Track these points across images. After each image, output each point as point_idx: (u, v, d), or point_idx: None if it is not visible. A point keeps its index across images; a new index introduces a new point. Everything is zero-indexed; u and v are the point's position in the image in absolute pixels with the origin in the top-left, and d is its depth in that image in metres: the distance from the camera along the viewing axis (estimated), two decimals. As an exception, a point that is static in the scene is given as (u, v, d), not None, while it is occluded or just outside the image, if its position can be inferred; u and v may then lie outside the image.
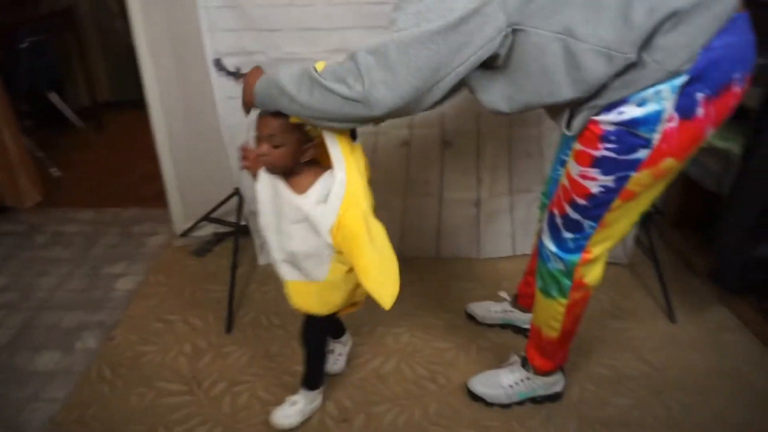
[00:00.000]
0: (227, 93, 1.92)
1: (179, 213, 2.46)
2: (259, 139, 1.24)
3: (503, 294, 1.92)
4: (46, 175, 2.91)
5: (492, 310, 1.91)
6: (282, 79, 1.12)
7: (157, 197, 2.62)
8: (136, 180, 2.97)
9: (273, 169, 1.27)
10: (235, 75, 1.91)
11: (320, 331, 1.51)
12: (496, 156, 2.09)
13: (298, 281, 1.36)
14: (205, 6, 1.79)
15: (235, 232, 2.10)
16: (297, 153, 1.25)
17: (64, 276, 2.23)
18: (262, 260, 2.27)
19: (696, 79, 1.00)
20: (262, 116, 1.23)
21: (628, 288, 2.10)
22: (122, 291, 2.14)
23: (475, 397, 1.62)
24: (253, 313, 2.01)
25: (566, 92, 1.05)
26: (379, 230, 1.22)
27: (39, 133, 3.35)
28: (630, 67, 1.00)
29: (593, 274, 1.32)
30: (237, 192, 2.13)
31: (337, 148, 1.21)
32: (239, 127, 1.98)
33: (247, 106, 1.26)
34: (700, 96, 1.01)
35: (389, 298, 1.18)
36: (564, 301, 1.35)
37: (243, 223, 2.17)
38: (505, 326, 1.89)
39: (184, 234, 2.45)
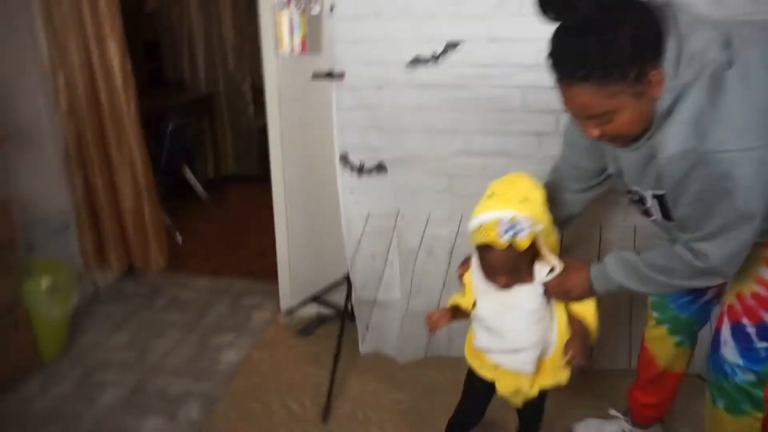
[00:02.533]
0: (349, 186, 2.01)
1: (287, 290, 2.53)
2: (489, 269, 1.28)
3: (614, 412, 1.77)
4: (170, 241, 3.14)
5: (606, 430, 1.76)
6: (620, 280, 1.23)
7: (268, 271, 2.73)
8: (251, 253, 3.13)
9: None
10: (359, 170, 2.00)
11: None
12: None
13: (545, 359, 1.37)
14: (339, 107, 1.91)
15: (341, 319, 2.12)
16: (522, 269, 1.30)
17: (177, 341, 2.34)
18: (363, 349, 2.25)
19: None
20: (490, 253, 1.24)
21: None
22: (227, 364, 2.20)
23: None
24: (350, 405, 1.98)
25: None
26: None
27: (166, 201, 3.68)
28: None
29: None
30: (347, 279, 2.17)
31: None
32: (358, 218, 2.05)
33: (573, 298, 1.32)
34: None
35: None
36: (760, 414, 1.30)
37: (349, 310, 2.19)
38: None
39: (290, 312, 2.52)
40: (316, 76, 1.88)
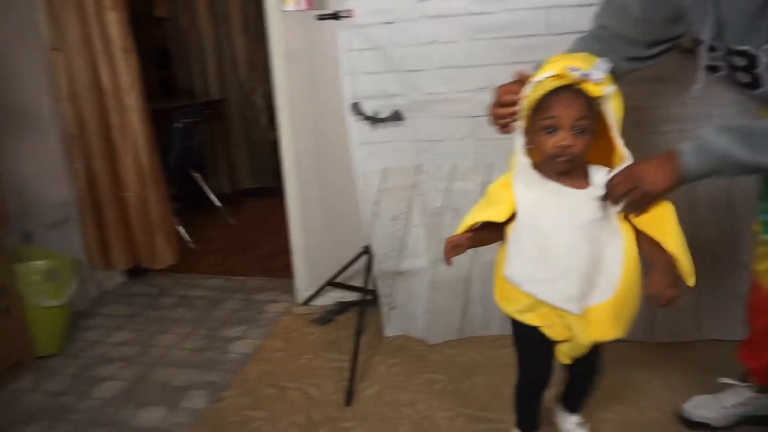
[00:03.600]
0: (363, 139, 1.83)
1: (303, 282, 2.32)
2: (554, 127, 1.04)
3: (727, 380, 1.45)
4: (181, 246, 2.97)
5: (727, 404, 1.44)
6: (723, 145, 0.99)
7: (284, 269, 2.53)
8: (264, 255, 2.94)
9: (569, 166, 1.07)
10: (372, 120, 1.82)
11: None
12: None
13: (601, 303, 1.11)
14: (348, 49, 1.76)
15: (361, 301, 1.90)
16: (592, 140, 1.07)
17: (183, 335, 2.12)
18: (389, 332, 2.01)
19: None
20: (558, 97, 1.03)
21: None
22: (237, 354, 1.97)
23: None
24: (377, 387, 1.72)
25: None
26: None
27: (180, 213, 3.54)
28: None
29: None
30: (366, 250, 1.95)
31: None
32: (374, 175, 1.86)
33: (648, 190, 1.05)
34: None
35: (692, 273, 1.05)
36: None
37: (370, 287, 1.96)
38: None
39: (307, 302, 2.29)
40: (323, 17, 1.74)
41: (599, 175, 1.11)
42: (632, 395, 1.59)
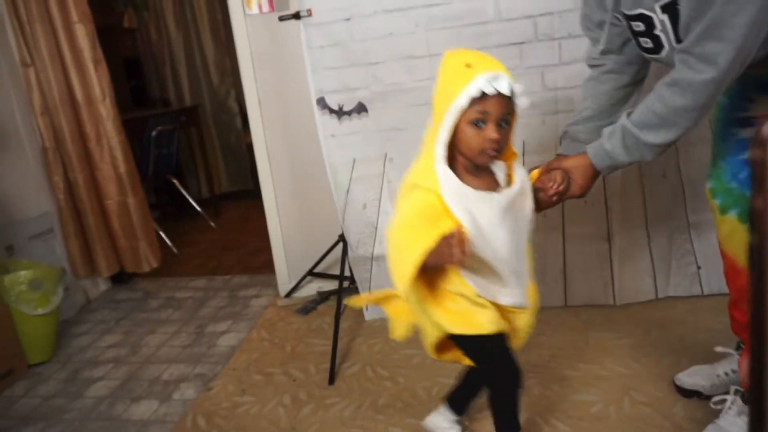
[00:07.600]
0: (330, 131, 1.91)
1: (285, 276, 2.40)
2: (485, 122, 0.99)
3: (722, 348, 1.45)
4: (165, 252, 3.03)
5: (720, 373, 1.43)
6: (610, 150, 1.09)
7: (265, 266, 2.62)
8: (246, 253, 3.01)
9: (495, 156, 1.04)
10: (338, 113, 1.90)
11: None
12: (625, 180, 1.84)
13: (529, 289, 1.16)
14: (310, 47, 1.84)
15: (340, 289, 1.97)
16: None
17: (172, 334, 2.19)
18: (368, 315, 2.09)
19: None
20: (486, 97, 0.97)
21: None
22: (225, 347, 2.04)
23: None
24: (359, 365, 1.81)
25: None
26: None
27: (161, 220, 3.60)
28: None
29: None
30: (342, 239, 2.04)
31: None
32: (344, 165, 1.94)
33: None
34: None
35: None
36: None
37: (347, 273, 2.05)
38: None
39: (289, 294, 2.37)
40: (283, 18, 1.82)
41: (519, 173, 1.09)
42: (594, 354, 1.70)
